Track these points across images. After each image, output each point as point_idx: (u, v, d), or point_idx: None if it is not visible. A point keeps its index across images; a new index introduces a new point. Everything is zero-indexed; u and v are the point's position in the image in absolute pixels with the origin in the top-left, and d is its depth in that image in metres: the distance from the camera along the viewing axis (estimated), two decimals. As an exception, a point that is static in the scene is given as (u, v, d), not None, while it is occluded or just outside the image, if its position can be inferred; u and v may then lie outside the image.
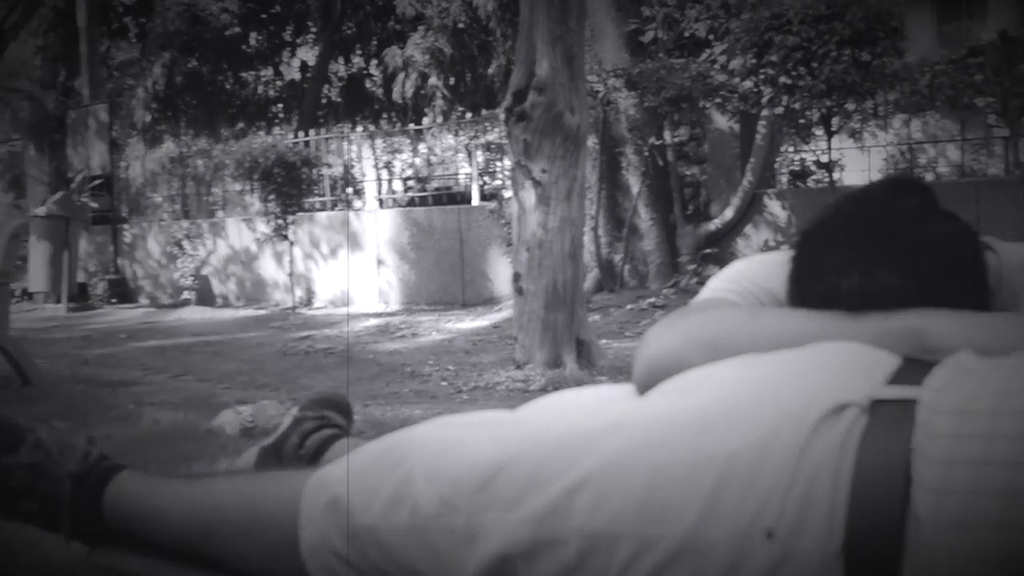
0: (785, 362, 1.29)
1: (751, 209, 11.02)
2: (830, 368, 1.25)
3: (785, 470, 1.12)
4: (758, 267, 1.67)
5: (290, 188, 12.80)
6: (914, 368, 1.21)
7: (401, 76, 18.17)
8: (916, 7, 15.68)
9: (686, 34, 11.55)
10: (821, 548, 1.09)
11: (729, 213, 11.08)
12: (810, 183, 11.85)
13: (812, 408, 1.16)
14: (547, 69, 6.91)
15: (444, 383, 7.36)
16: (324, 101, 21.04)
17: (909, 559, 1.05)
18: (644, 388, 1.43)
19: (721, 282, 1.66)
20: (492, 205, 12.06)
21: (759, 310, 1.52)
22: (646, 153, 11.34)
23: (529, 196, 7.00)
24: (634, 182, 11.59)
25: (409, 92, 18.00)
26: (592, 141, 10.82)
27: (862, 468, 1.10)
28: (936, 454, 1.07)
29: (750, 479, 1.13)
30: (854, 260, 1.40)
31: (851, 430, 1.13)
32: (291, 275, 13.35)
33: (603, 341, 8.24)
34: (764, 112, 10.33)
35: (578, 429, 1.28)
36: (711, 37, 11.28)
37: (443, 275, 12.87)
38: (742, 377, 1.28)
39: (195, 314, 13.72)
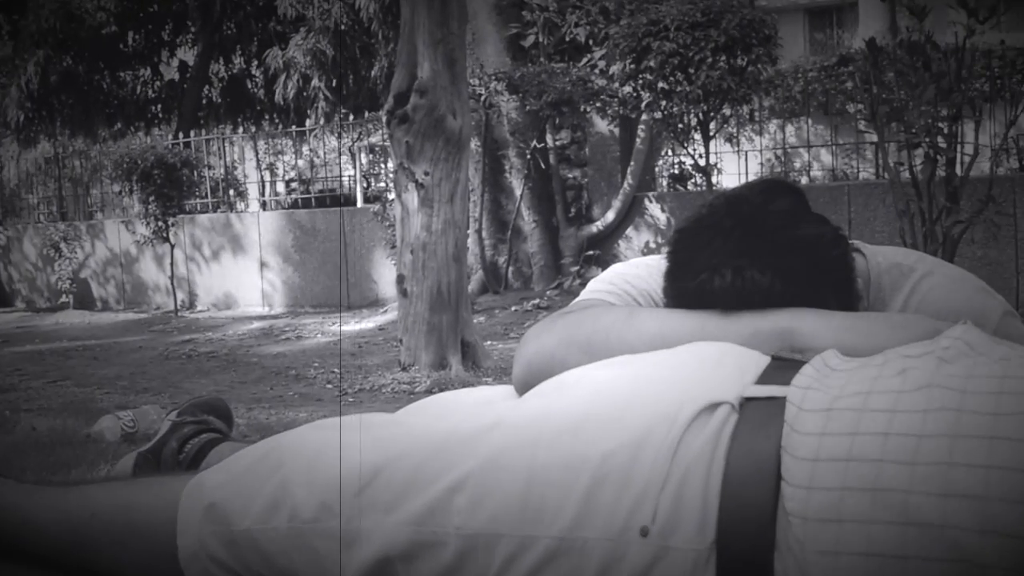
0: (659, 363, 1.31)
1: (632, 211, 11.14)
2: (702, 368, 1.27)
3: (659, 469, 1.14)
4: (635, 270, 1.71)
5: (170, 190, 12.58)
6: (783, 367, 1.24)
7: (283, 77, 17.96)
8: (789, 16, 16.04)
9: (567, 39, 11.63)
10: (694, 545, 1.11)
11: (610, 216, 11.20)
12: (689, 186, 12.03)
13: (685, 407, 1.18)
14: (429, 72, 6.92)
15: (329, 386, 7.31)
16: (204, 102, 20.67)
17: (780, 553, 1.08)
18: (523, 388, 1.44)
19: (600, 284, 1.69)
20: (376, 207, 11.99)
21: (635, 310, 1.54)
22: (528, 156, 11.37)
23: (412, 198, 7.01)
24: (517, 185, 11.62)
25: (291, 94, 17.80)
26: (475, 144, 10.83)
27: (733, 466, 1.13)
28: (803, 451, 1.10)
29: (625, 478, 1.15)
30: (727, 259, 1.43)
31: (723, 428, 1.16)
32: (172, 278, 13.12)
33: (488, 342, 8.27)
34: (643, 116, 10.46)
35: (457, 431, 1.28)
36: (591, 42, 11.37)
37: (327, 277, 12.75)
38: (617, 378, 1.29)
39: (73, 318, 13.41)
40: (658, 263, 1.68)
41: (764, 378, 1.23)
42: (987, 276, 8.56)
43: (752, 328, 1.38)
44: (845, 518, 1.05)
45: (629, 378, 1.29)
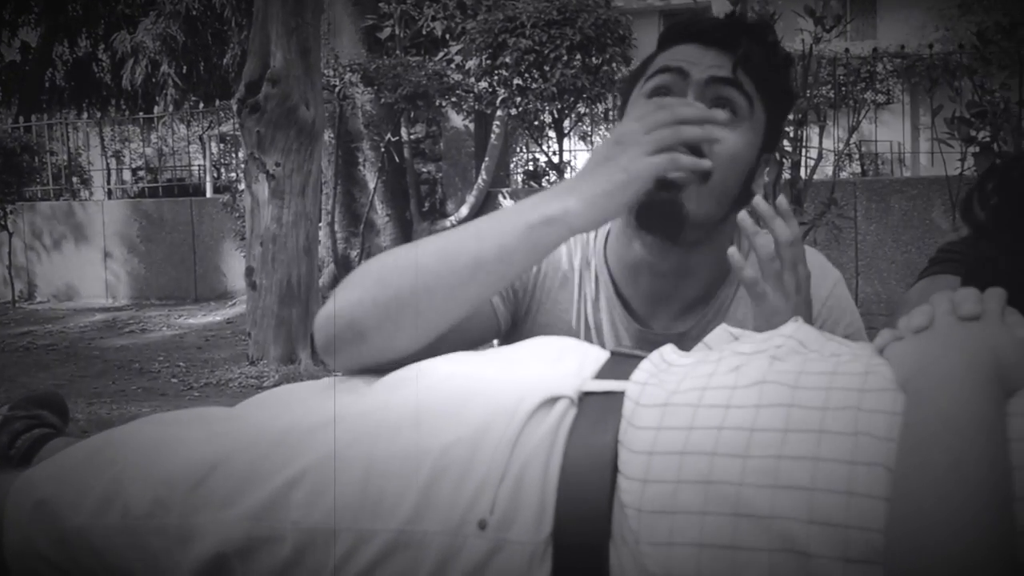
0: (499, 357, 1.32)
1: (486, 207, 11.19)
2: (542, 363, 1.28)
3: (497, 462, 1.14)
4: None
5: (9, 176, 12.17)
6: (622, 363, 1.25)
7: (131, 62, 17.53)
8: (644, 18, 16.31)
9: (423, 32, 11.61)
10: (531, 537, 1.11)
11: (464, 211, 11.22)
12: (543, 183, 12.13)
13: (524, 401, 1.18)
14: (281, 61, 6.84)
15: (175, 380, 7.18)
16: (47, 85, 20.04)
17: (615, 545, 1.09)
18: (329, 350, 1.42)
19: None
20: (225, 198, 11.80)
21: (419, 240, 1.54)
22: (383, 149, 11.33)
23: (263, 189, 6.91)
24: (371, 178, 11.57)
25: (139, 79, 17.39)
26: (328, 135, 10.72)
27: (571, 459, 1.13)
28: (640, 445, 1.11)
29: (463, 471, 1.15)
30: None
31: (561, 422, 1.16)
32: (10, 268, 12.69)
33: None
34: (499, 112, 10.51)
35: (296, 425, 1.27)
36: (448, 37, 11.37)
37: (174, 269, 12.52)
38: (458, 371, 1.29)
39: (-100, 308, 12.87)
40: None
41: (603, 373, 1.24)
42: (830, 277, 8.83)
43: (525, 222, 1.38)
44: (679, 510, 1.06)
45: (470, 372, 1.29)
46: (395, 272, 1.41)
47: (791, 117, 7.40)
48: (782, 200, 1.43)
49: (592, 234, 1.75)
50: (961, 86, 8.42)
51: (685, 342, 1.38)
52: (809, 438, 1.05)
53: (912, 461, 0.99)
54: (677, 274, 1.66)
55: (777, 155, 7.19)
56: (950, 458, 0.97)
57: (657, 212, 1.54)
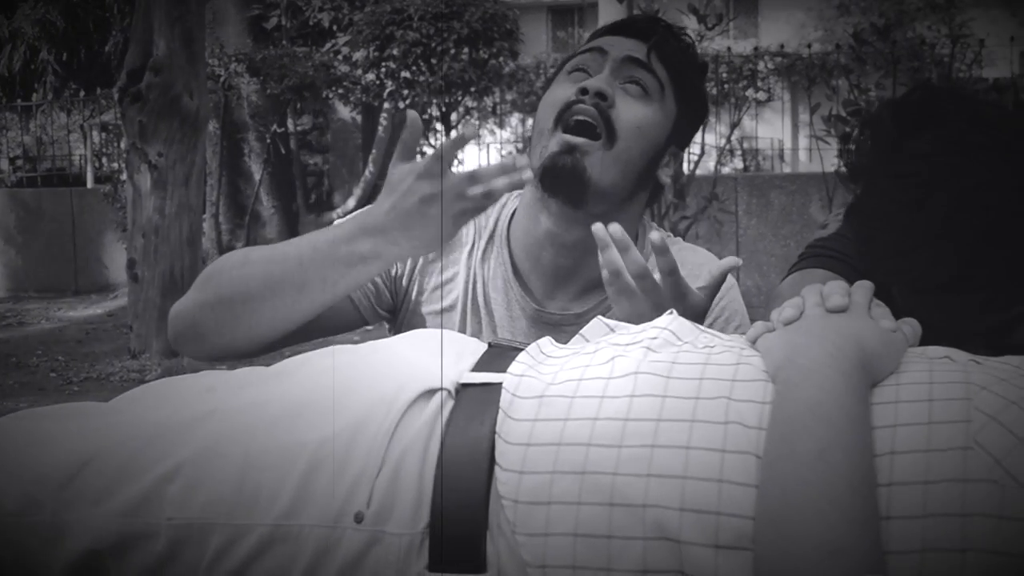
0: (378, 350, 1.31)
1: (373, 199, 11.06)
2: (421, 355, 1.27)
3: (375, 454, 1.14)
4: None
5: None
6: (500, 354, 1.26)
7: (8, 48, 17.03)
8: (532, 13, 16.36)
9: (310, 23, 11.50)
10: (408, 529, 1.11)
11: (351, 203, 11.16)
12: (431, 176, 12.08)
13: (402, 393, 1.18)
14: (164, 49, 6.72)
15: (53, 374, 7.03)
16: (-82, 70, 19.38)
17: (492, 536, 1.10)
18: (179, 345, 1.51)
19: None
20: (107, 188, 11.55)
21: (259, 248, 1.62)
22: (268, 140, 11.19)
23: (145, 180, 6.80)
24: (256, 169, 11.42)
25: (17, 66, 16.90)
26: (212, 126, 10.54)
27: (448, 451, 1.14)
28: (516, 436, 1.12)
29: (341, 464, 1.14)
30: None
31: (439, 414, 1.17)
32: None
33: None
34: (386, 105, 10.46)
35: (172, 419, 1.25)
36: (335, 28, 11.29)
37: (54, 260, 12.21)
38: (336, 364, 1.28)
39: None
40: None
41: (481, 365, 1.25)
42: (710, 270, 8.96)
43: (345, 252, 1.47)
44: (555, 500, 1.07)
45: (348, 364, 1.28)
46: (228, 282, 1.50)
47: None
48: (655, 236, 1.43)
49: (495, 211, 1.79)
50: (838, 85, 8.63)
51: (582, 324, 1.39)
52: (681, 427, 1.07)
53: (780, 449, 1.01)
54: (581, 249, 1.67)
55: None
56: (816, 446, 0.99)
57: (561, 175, 1.59)
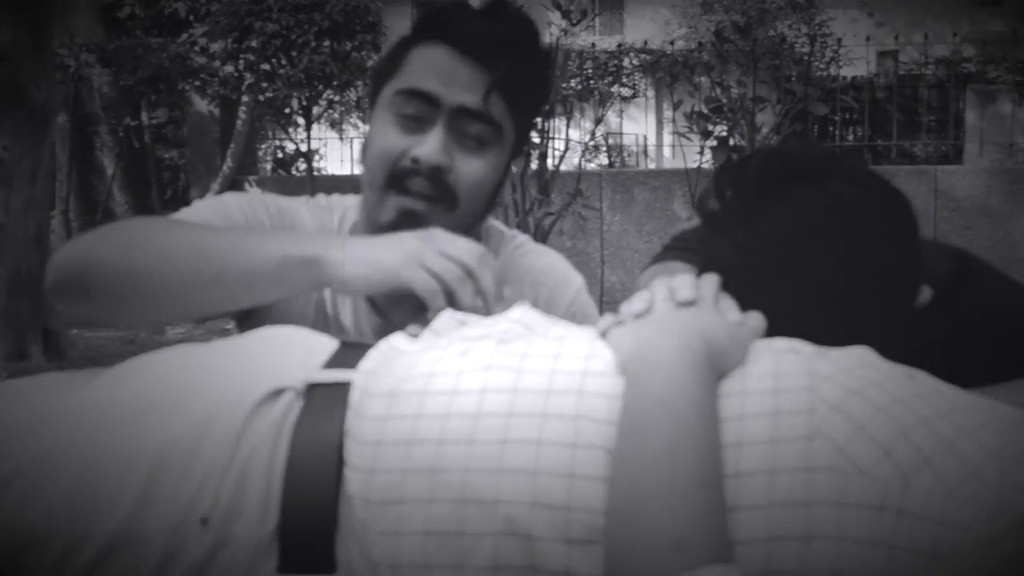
0: (227, 347, 1.30)
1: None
2: (270, 353, 1.26)
3: (221, 456, 1.12)
4: (245, 199, 1.70)
5: None
6: (351, 352, 1.25)
7: None
8: (396, 6, 16.30)
9: (165, 12, 11.30)
10: (256, 532, 1.10)
11: (209, 199, 10.97)
12: (293, 171, 11.98)
13: (249, 393, 1.17)
14: (9, 38, 6.51)
15: None
16: None
17: (343, 536, 1.09)
18: (56, 292, 1.41)
19: (200, 205, 1.67)
20: (-50, 183, 11.15)
21: (181, 223, 1.53)
22: (121, 134, 11.00)
23: (-12, 175, 6.56)
24: (109, 164, 11.21)
25: None
26: (62, 119, 10.32)
27: (297, 452, 1.13)
28: (366, 435, 1.11)
29: (185, 467, 1.12)
30: None
31: (287, 414, 1.15)
32: None
33: (74, 331, 7.90)
34: (245, 98, 10.33)
35: (8, 423, 1.21)
36: (191, 18, 11.12)
37: None
38: (181, 364, 1.26)
39: None
40: (279, 202, 1.70)
41: (331, 363, 1.24)
42: (576, 266, 8.98)
43: (282, 253, 1.39)
44: (406, 499, 1.07)
45: (194, 364, 1.27)
46: (142, 250, 1.41)
47: (538, 108, 7.51)
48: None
49: (336, 222, 1.74)
50: (700, 82, 8.76)
51: None
52: (533, 422, 1.08)
53: (629, 443, 1.02)
54: None
55: (525, 146, 7.29)
56: (664, 439, 1.01)
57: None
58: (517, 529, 1.03)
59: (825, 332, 1.25)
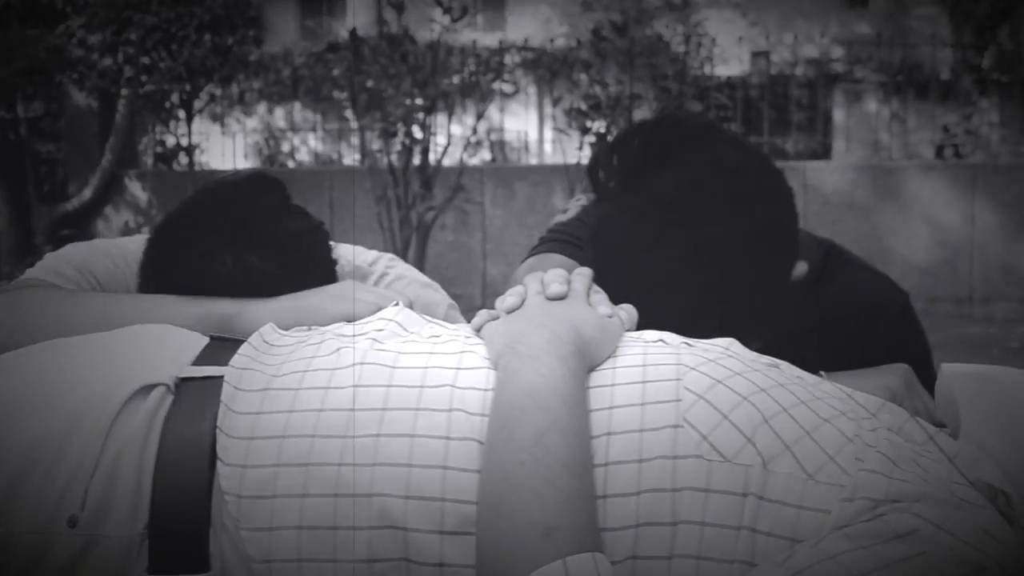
0: (93, 345, 1.27)
1: (111, 190, 10.68)
2: (140, 349, 1.24)
3: (89, 454, 1.10)
4: (92, 251, 1.66)
5: None
6: (223, 347, 1.24)
7: None
8: (280, 1, 16.10)
9: (42, 3, 10.96)
10: (126, 531, 1.09)
11: (88, 193, 10.68)
12: (175, 165, 11.77)
13: (118, 390, 1.15)
14: None
15: None
16: None
17: (215, 532, 1.09)
18: None
19: (49, 261, 1.62)
20: None
21: (79, 291, 1.50)
22: (-3, 127, 10.62)
23: None
24: (-17, 157, 10.81)
25: None
26: (-67, 111, 9.96)
27: (167, 448, 1.11)
28: (239, 431, 1.11)
29: (51, 466, 1.10)
30: (224, 246, 1.44)
31: (157, 410, 1.14)
32: None
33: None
34: (124, 91, 10.10)
35: None
36: (69, 9, 10.80)
37: None
38: (48, 361, 1.24)
39: None
40: (124, 245, 1.66)
41: (202, 358, 1.23)
42: (458, 260, 9.10)
43: (200, 312, 1.39)
44: (279, 494, 1.07)
45: (63, 361, 1.23)
46: (40, 328, 1.37)
47: (420, 102, 7.56)
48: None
49: None
50: (579, 79, 8.87)
51: None
52: (406, 416, 1.09)
53: (501, 434, 1.04)
54: None
55: (407, 141, 7.31)
56: (535, 429, 1.03)
57: None
58: (391, 521, 1.04)
59: (711, 291, 1.32)
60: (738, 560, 1.00)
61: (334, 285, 1.48)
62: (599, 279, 1.34)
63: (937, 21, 16.43)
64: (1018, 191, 8.70)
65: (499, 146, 14.49)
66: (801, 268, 1.48)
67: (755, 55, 15.62)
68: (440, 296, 1.79)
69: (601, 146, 1.48)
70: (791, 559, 0.97)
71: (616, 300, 1.31)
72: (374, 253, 1.84)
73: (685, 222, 1.36)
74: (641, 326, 1.27)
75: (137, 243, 1.63)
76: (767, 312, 1.41)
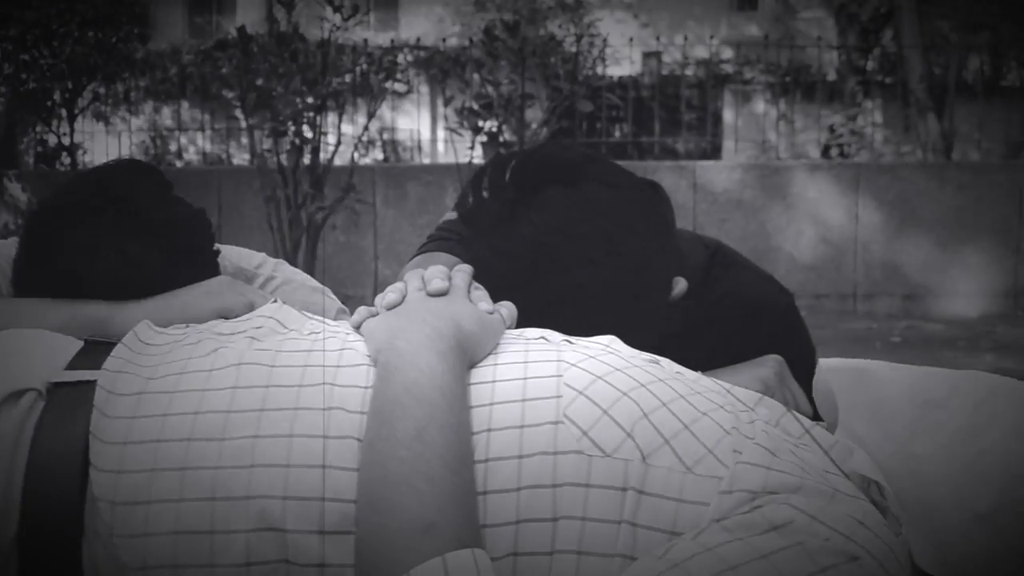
0: None
1: (-10, 190, 10.45)
2: (8, 354, 1.21)
3: None
4: None
5: None
6: (96, 351, 1.21)
7: None
8: (164, -4, 15.84)
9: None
10: None
11: (-35, 194, 10.43)
12: (58, 166, 11.50)
13: None
14: None
15: None
16: None
17: (88, 540, 1.07)
18: None
19: None
20: None
21: None
22: None
23: None
24: None
25: None
26: None
27: (38, 455, 1.09)
28: (112, 435, 1.09)
29: None
30: (103, 239, 1.41)
31: (27, 417, 1.11)
32: None
33: None
34: (3, 89, 9.85)
35: None
36: (-56, 4, 10.51)
37: None
38: None
39: None
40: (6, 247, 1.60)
41: (76, 362, 1.19)
42: (350, 260, 9.04)
43: (72, 314, 1.36)
44: (155, 499, 1.05)
45: None
46: None
47: (310, 101, 7.49)
48: None
49: None
50: (471, 79, 8.87)
51: None
52: (285, 416, 1.08)
53: (380, 431, 1.04)
54: None
55: (297, 140, 7.22)
56: (414, 425, 1.03)
57: None
58: (270, 523, 1.03)
59: (584, 327, 1.29)
60: (618, 554, 1.01)
61: (208, 281, 1.46)
62: None
63: (823, 24, 16.83)
64: (900, 190, 8.93)
65: (391, 145, 14.46)
66: (681, 286, 1.49)
67: (646, 56, 15.81)
68: (329, 301, 1.78)
69: (473, 176, 1.47)
70: (670, 552, 0.98)
71: None
72: (260, 256, 1.82)
73: (555, 267, 1.36)
74: None
75: (11, 246, 1.58)
76: (644, 337, 1.39)
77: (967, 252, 8.92)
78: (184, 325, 1.30)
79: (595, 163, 1.46)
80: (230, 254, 1.74)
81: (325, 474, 1.04)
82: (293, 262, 7.01)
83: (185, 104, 12.23)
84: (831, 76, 15.77)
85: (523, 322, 1.29)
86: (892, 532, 1.05)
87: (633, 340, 1.28)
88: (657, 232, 1.46)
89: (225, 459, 1.06)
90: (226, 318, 1.32)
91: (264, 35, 7.77)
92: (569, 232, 1.37)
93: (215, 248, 1.56)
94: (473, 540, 0.99)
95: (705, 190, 8.90)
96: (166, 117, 13.06)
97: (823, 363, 1.28)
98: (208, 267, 1.52)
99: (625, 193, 1.44)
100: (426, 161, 15.10)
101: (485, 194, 1.42)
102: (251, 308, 1.36)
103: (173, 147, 13.46)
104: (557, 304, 1.36)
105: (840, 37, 16.40)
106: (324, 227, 7.80)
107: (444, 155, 13.95)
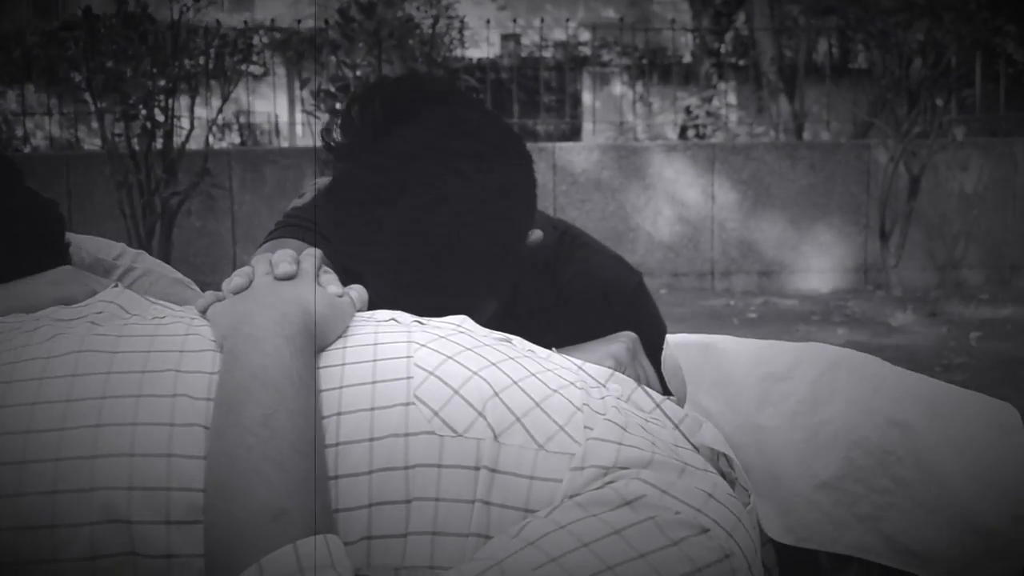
0: None
1: None
2: None
3: None
4: None
5: None
6: None
7: None
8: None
9: None
10: None
11: None
12: None
13: None
14: None
15: None
16: None
17: None
18: None
19: None
20: None
21: None
22: None
23: None
24: None
25: None
26: None
27: None
28: None
29: None
30: None
31: None
32: None
33: None
34: None
35: None
36: None
37: None
38: None
39: None
40: None
41: None
42: (206, 247, 8.87)
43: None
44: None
45: None
46: None
47: (161, 84, 7.32)
48: None
49: None
50: (328, 61, 8.79)
51: None
52: (127, 403, 1.05)
53: (227, 417, 1.02)
54: None
55: (148, 124, 7.07)
56: (261, 411, 1.02)
57: None
58: (115, 515, 1.00)
59: (449, 244, 1.34)
60: (473, 534, 1.01)
61: (51, 271, 1.43)
62: (335, 231, 1.35)
63: (678, 7, 17.08)
64: (754, 170, 9.13)
65: (248, 129, 14.23)
66: (536, 235, 1.51)
67: (505, 38, 15.86)
68: (191, 292, 1.75)
69: (344, 106, 1.49)
70: (524, 530, 0.98)
71: (352, 252, 1.31)
72: (120, 246, 1.80)
73: (425, 177, 1.38)
74: (374, 276, 1.27)
75: None
76: (501, 271, 1.44)
77: (819, 229, 9.18)
78: (22, 315, 1.25)
79: (463, 92, 1.52)
80: (87, 244, 1.71)
81: (171, 463, 1.02)
82: (148, 249, 6.86)
83: (31, 87, 11.81)
84: (686, 58, 16.05)
85: (388, 239, 1.31)
86: (740, 502, 1.08)
87: (491, 277, 1.32)
88: (522, 157, 1.50)
89: (65, 450, 1.03)
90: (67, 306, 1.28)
91: (111, 16, 7.55)
92: (439, 147, 1.40)
93: (65, 239, 1.52)
94: (325, 526, 0.98)
95: (565, 171, 8.96)
96: (11, 101, 12.59)
97: (671, 339, 1.30)
98: (55, 258, 1.48)
99: (493, 117, 1.49)
100: (284, 144, 14.90)
101: (355, 118, 1.43)
102: (93, 295, 1.32)
103: (19, 132, 13.02)
104: (423, 216, 1.38)
105: (695, 20, 16.67)
106: (179, 213, 7.64)
107: (302, 138, 13.80)
